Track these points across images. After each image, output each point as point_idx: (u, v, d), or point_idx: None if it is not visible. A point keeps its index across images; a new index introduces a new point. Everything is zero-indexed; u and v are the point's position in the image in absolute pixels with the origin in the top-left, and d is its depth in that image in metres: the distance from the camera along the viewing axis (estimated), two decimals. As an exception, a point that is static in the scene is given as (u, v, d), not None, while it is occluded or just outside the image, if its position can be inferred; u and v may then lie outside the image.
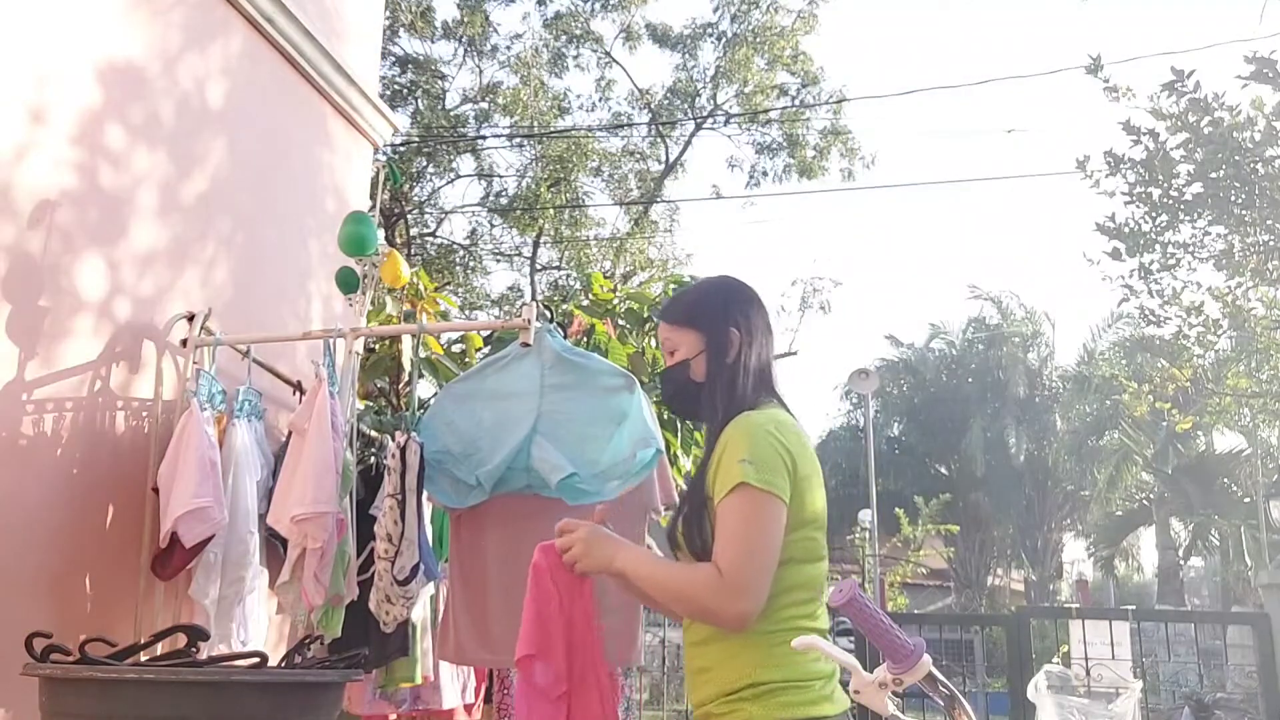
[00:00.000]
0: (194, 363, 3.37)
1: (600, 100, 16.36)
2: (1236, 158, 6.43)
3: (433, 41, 15.41)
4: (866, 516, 18.28)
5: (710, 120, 16.28)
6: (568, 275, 15.91)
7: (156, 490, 3.12)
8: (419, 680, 3.48)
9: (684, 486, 3.10)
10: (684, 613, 1.84)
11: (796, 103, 15.95)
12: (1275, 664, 5.58)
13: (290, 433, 3.30)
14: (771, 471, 1.73)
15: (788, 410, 1.94)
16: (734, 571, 1.68)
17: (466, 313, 14.59)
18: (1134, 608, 7.14)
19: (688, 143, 16.37)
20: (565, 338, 3.18)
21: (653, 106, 16.36)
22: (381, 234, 4.31)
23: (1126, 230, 7.01)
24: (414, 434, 3.00)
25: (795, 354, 15.19)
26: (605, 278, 7.08)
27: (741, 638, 1.74)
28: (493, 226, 16.23)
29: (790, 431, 1.83)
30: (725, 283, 2.07)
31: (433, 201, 16.02)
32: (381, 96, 5.06)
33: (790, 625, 1.75)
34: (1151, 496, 20.56)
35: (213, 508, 3.02)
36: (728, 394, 1.89)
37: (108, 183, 3.23)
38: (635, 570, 1.84)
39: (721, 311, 1.96)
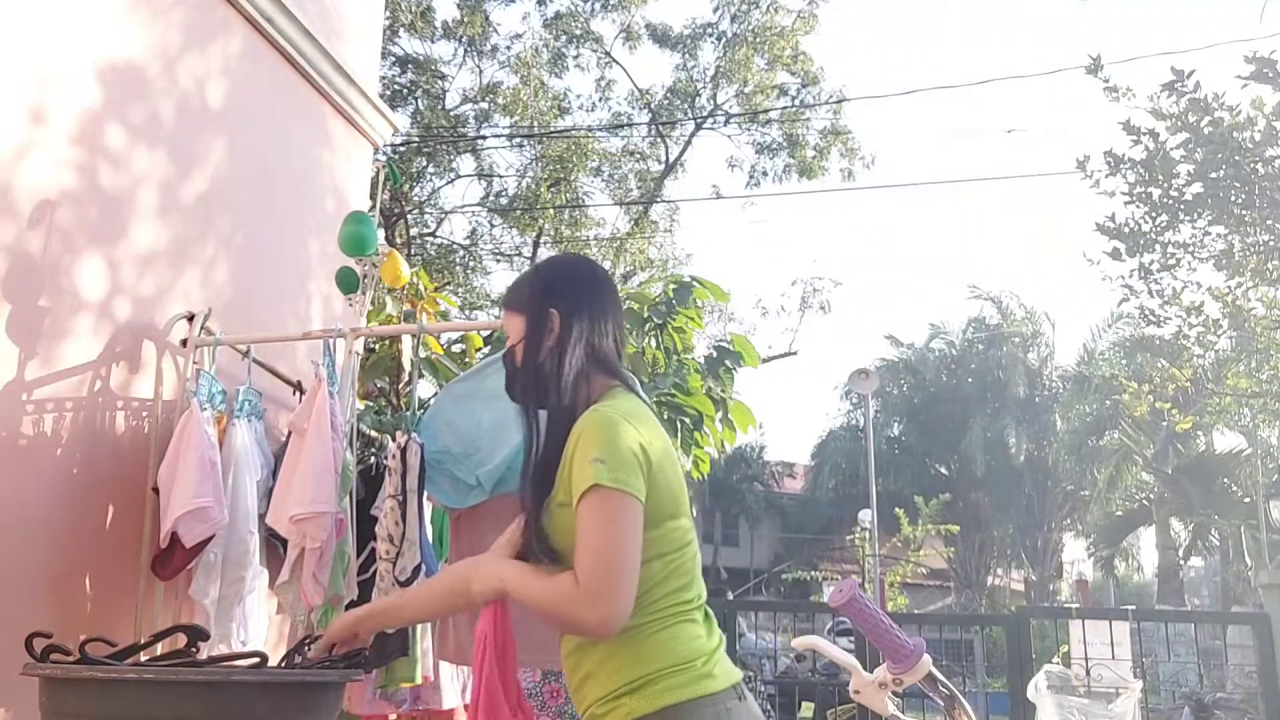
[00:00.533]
0: (194, 363, 3.37)
1: (600, 100, 16.38)
2: (1236, 158, 6.43)
3: (433, 41, 15.42)
4: (866, 516, 18.28)
5: (710, 120, 16.29)
6: (568, 275, 15.88)
7: (156, 490, 3.12)
8: (419, 680, 3.48)
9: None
10: (551, 625, 1.74)
11: (796, 103, 15.96)
12: (1275, 664, 5.58)
13: (290, 433, 3.30)
14: (625, 469, 1.62)
15: (638, 395, 1.83)
16: (590, 580, 1.59)
17: (466, 313, 14.59)
18: (1134, 608, 7.13)
19: (688, 143, 16.39)
20: (565, 338, 3.18)
21: (653, 106, 16.36)
22: (381, 234, 4.31)
23: (1126, 230, 7.00)
24: (414, 434, 3.00)
25: (795, 354, 15.22)
26: (605, 278, 7.07)
27: (615, 639, 1.65)
28: (493, 226, 16.25)
29: (641, 421, 1.72)
30: (554, 263, 1.99)
31: (433, 201, 16.02)
32: (381, 96, 5.07)
33: (664, 615, 1.68)
34: (1151, 496, 20.55)
35: (213, 508, 3.02)
36: (549, 381, 1.78)
37: (108, 183, 3.23)
38: (497, 587, 1.76)
39: (542, 293, 1.84)
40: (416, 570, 2.96)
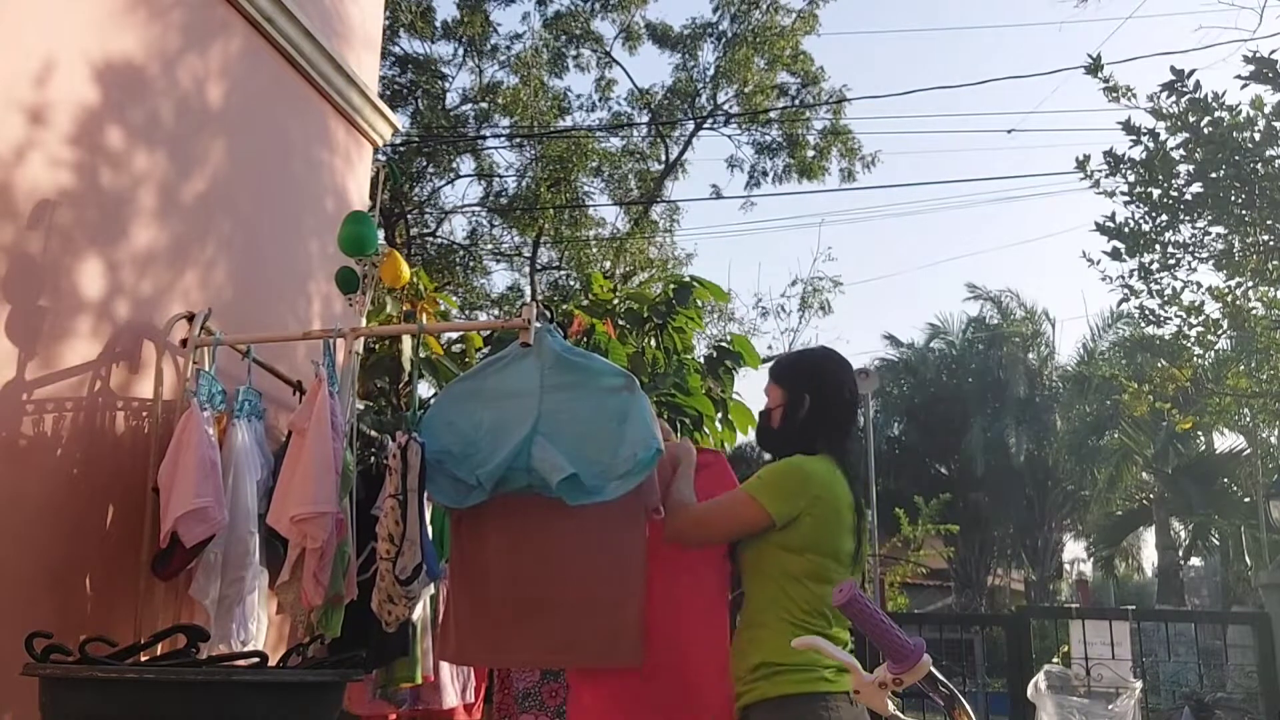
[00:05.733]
0: (194, 363, 3.36)
1: (600, 100, 16.34)
2: (1236, 158, 6.43)
3: (433, 41, 15.39)
4: (866, 516, 18.23)
5: (710, 120, 16.26)
6: (568, 275, 15.89)
7: (156, 490, 3.12)
8: (419, 680, 3.48)
9: None
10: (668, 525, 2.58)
11: (796, 103, 15.94)
12: (1275, 664, 5.58)
13: (290, 433, 3.30)
14: (771, 493, 2.39)
15: (840, 466, 2.49)
16: (691, 522, 2.55)
17: (466, 313, 14.58)
18: (1134, 608, 7.13)
19: (688, 143, 16.36)
20: (565, 338, 3.18)
21: (653, 106, 16.34)
22: (381, 234, 4.31)
23: (1126, 230, 7.00)
24: (414, 434, 3.00)
25: (795, 354, 15.16)
26: (605, 278, 7.08)
27: (767, 628, 2.33)
28: (493, 226, 16.22)
29: (818, 480, 2.42)
30: (819, 354, 2.72)
31: (433, 201, 15.99)
32: (381, 96, 5.06)
33: (801, 624, 2.29)
34: (1151, 496, 20.53)
35: (213, 508, 3.01)
36: (794, 442, 2.52)
37: (108, 183, 3.23)
38: (678, 480, 2.62)
39: (806, 378, 2.59)
40: (417, 570, 2.95)
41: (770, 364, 2.74)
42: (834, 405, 2.56)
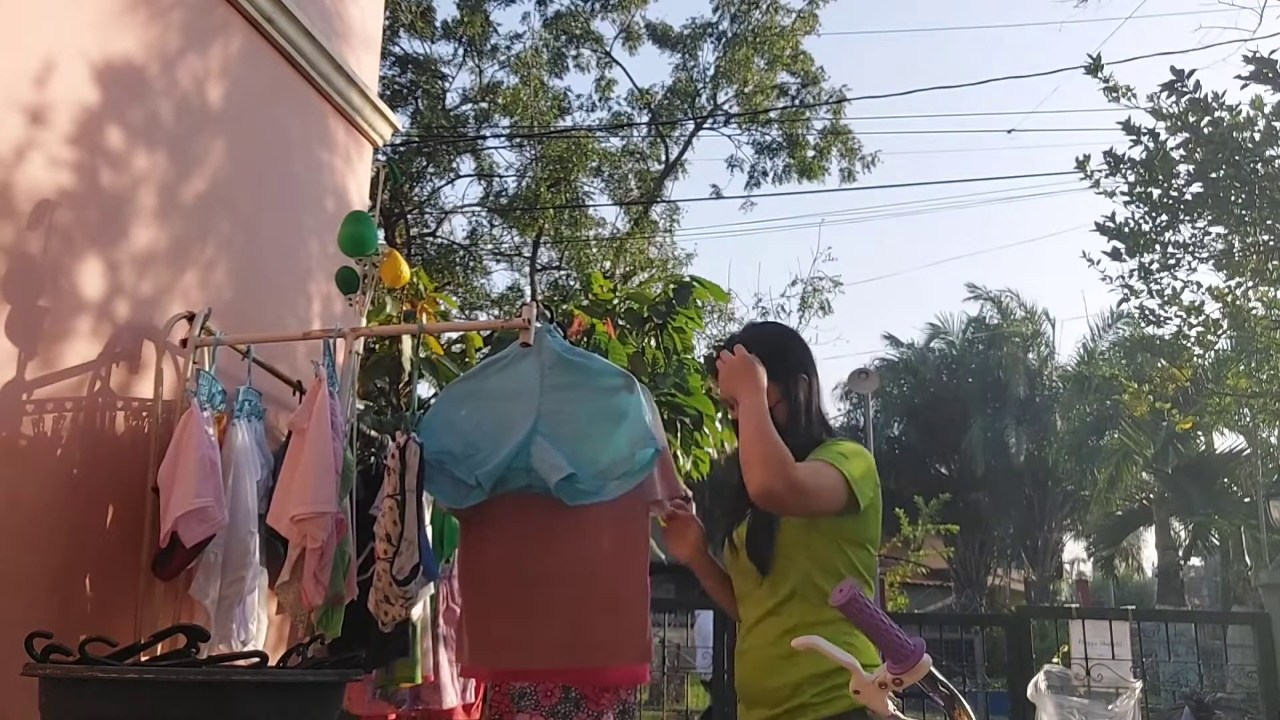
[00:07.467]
0: (194, 363, 3.36)
1: (600, 100, 16.34)
2: (1236, 158, 6.43)
3: (433, 41, 15.39)
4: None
5: (710, 120, 16.26)
6: (568, 275, 15.89)
7: (156, 490, 3.12)
8: (419, 680, 3.48)
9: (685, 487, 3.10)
10: (751, 459, 2.06)
11: (796, 103, 15.93)
12: (1275, 664, 5.58)
13: (290, 433, 3.30)
14: (861, 477, 2.11)
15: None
16: (805, 479, 2.03)
17: (466, 313, 14.58)
18: (1134, 608, 7.13)
19: (688, 143, 16.36)
20: (565, 338, 3.18)
21: (653, 106, 16.34)
22: (381, 234, 4.31)
23: (1126, 230, 7.00)
24: (414, 434, 3.00)
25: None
26: (605, 278, 7.08)
27: (826, 628, 1.95)
28: (493, 226, 16.22)
29: (875, 465, 2.22)
30: (772, 330, 2.59)
31: (433, 201, 16.00)
32: (381, 96, 5.06)
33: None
34: (1151, 496, 20.54)
35: (213, 508, 3.01)
36: (815, 430, 2.29)
37: (108, 183, 3.23)
38: (748, 416, 2.10)
39: (782, 357, 2.31)
40: (415, 570, 2.95)
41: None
42: (817, 377, 2.34)
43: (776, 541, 2.16)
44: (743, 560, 2.24)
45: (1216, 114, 6.45)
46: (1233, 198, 6.59)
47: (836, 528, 2.12)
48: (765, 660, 2.15)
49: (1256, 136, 6.46)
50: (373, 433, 3.75)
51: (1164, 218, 6.93)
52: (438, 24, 15.23)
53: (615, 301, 5.62)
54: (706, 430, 5.38)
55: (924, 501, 18.44)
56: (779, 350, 2.31)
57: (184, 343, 3.40)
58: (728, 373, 2.19)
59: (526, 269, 15.97)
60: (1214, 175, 6.55)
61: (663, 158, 16.35)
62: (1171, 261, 7.10)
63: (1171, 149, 6.70)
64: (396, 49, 14.81)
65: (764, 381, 2.15)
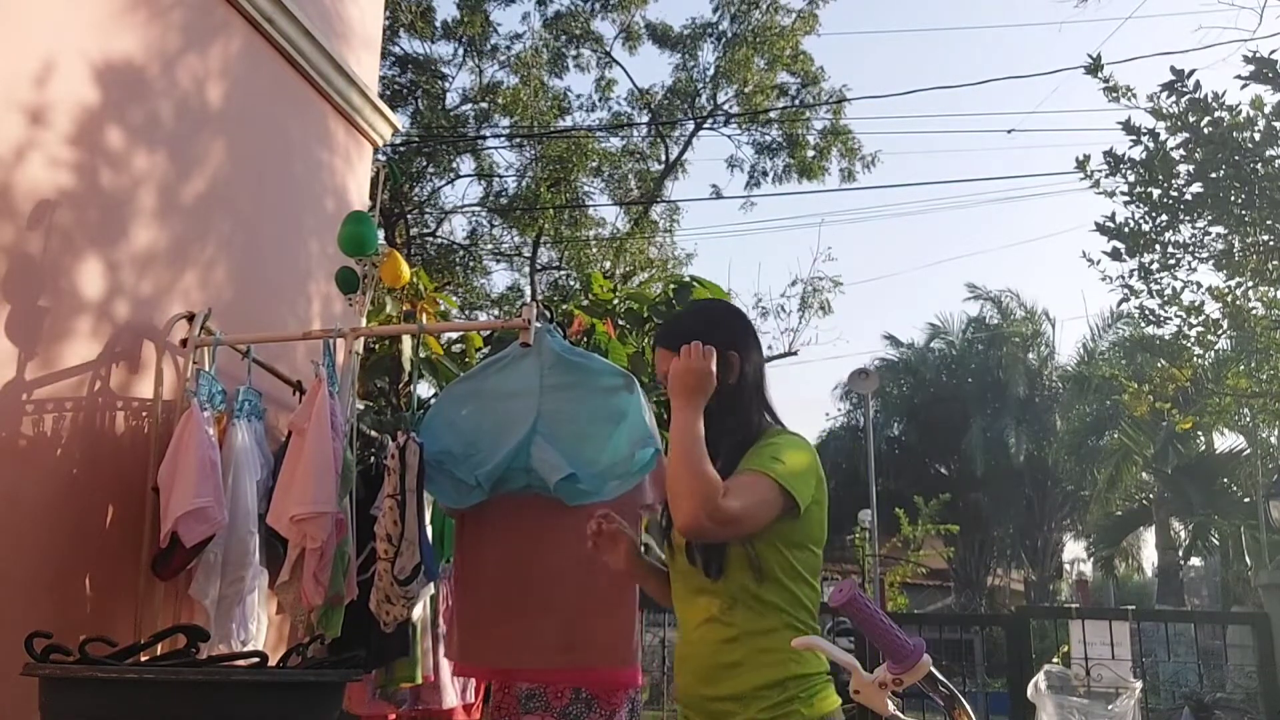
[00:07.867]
0: (194, 363, 3.37)
1: (600, 100, 16.33)
2: (1236, 158, 6.42)
3: (433, 41, 15.38)
4: (866, 516, 18.26)
5: (710, 120, 16.25)
6: (568, 275, 15.89)
7: (156, 490, 3.12)
8: (419, 680, 3.48)
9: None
10: (677, 491, 1.94)
11: (796, 103, 15.92)
12: (1275, 664, 5.58)
13: (290, 433, 3.30)
14: (798, 478, 1.97)
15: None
16: (734, 508, 1.88)
17: (466, 313, 14.57)
18: (1134, 608, 7.13)
19: (688, 143, 16.35)
20: (565, 338, 3.18)
21: (653, 106, 16.33)
22: (381, 234, 4.31)
23: (1126, 230, 6.99)
24: (414, 434, 3.00)
25: (795, 354, 15.16)
26: (605, 278, 7.08)
27: (770, 637, 1.95)
28: (493, 226, 16.21)
29: (817, 459, 2.08)
30: (710, 307, 2.42)
31: (433, 201, 15.99)
32: (381, 96, 5.06)
33: (810, 627, 2.00)
34: (1151, 496, 20.53)
35: (213, 508, 3.01)
36: (753, 415, 2.13)
37: (108, 183, 3.22)
38: (679, 437, 1.97)
39: (719, 334, 2.12)
40: (416, 570, 2.95)
41: (659, 340, 2.23)
42: (759, 356, 2.17)
43: (713, 548, 2.02)
44: (680, 563, 2.11)
45: (1216, 114, 6.45)
46: (1233, 198, 6.58)
47: (775, 531, 1.98)
48: (705, 669, 2.03)
49: (1256, 136, 6.45)
50: (373, 433, 3.75)
51: (1164, 218, 6.92)
52: (438, 24, 15.23)
53: (615, 301, 5.62)
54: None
55: (924, 501, 18.46)
56: (709, 325, 2.15)
57: (184, 343, 3.40)
58: (683, 370, 2.01)
59: (526, 269, 15.97)
60: (1214, 175, 6.54)
61: (663, 158, 16.35)
62: (1171, 261, 7.09)
63: (1171, 149, 6.69)
64: (396, 49, 14.81)
65: (708, 396, 2.00)
